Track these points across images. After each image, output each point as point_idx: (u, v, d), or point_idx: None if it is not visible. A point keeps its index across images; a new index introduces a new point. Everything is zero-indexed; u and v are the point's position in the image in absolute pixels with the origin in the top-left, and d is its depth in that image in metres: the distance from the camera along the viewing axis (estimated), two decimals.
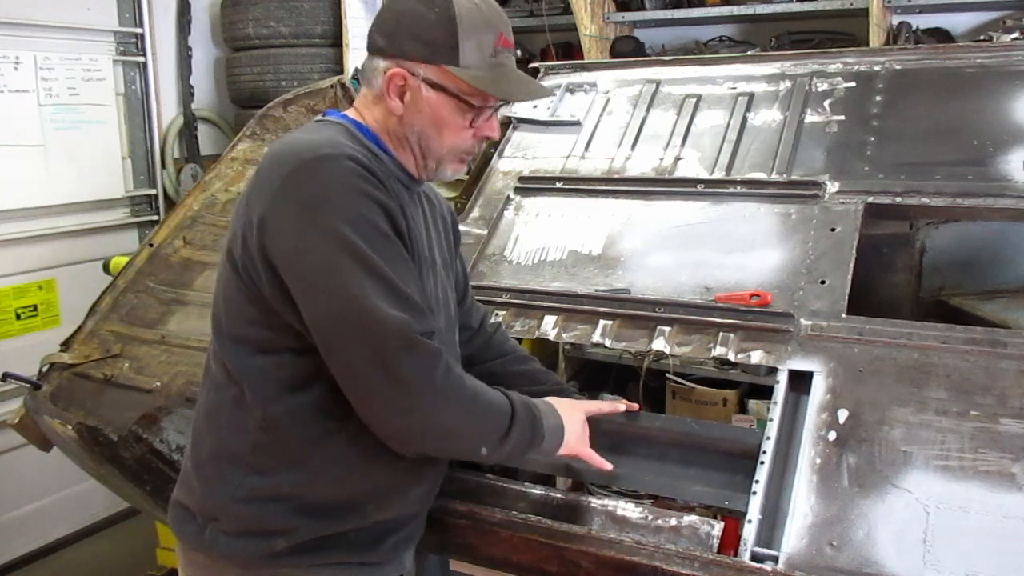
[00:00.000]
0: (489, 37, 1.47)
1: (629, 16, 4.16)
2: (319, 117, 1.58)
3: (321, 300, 1.35)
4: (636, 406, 1.81)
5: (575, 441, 1.62)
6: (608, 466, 1.66)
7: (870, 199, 1.99)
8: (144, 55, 4.14)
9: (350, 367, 1.36)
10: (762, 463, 1.59)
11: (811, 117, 2.25)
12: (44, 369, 2.41)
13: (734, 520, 1.59)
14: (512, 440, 1.47)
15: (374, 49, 1.52)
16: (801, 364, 1.72)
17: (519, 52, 3.98)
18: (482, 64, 1.47)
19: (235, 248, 1.44)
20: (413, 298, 1.39)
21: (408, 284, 1.39)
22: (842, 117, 2.21)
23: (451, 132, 1.51)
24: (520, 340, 1.96)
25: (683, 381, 2.65)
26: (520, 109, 2.56)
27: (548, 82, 2.74)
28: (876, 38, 3.44)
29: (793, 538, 1.48)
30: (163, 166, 4.30)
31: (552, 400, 1.63)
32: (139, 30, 4.11)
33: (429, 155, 1.53)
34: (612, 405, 1.76)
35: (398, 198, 1.45)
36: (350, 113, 1.56)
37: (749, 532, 1.51)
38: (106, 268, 2.92)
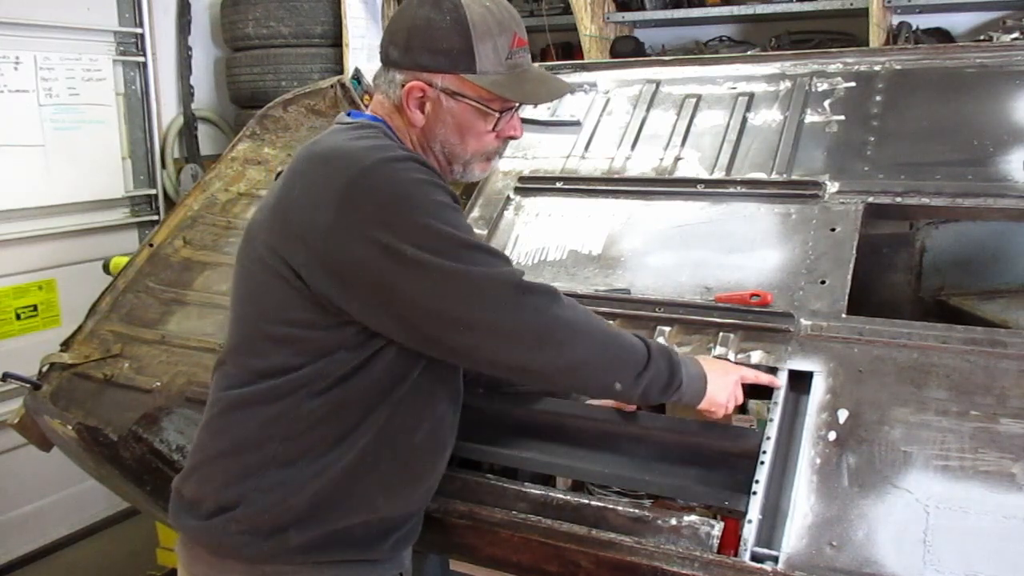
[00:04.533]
0: (503, 39, 1.47)
1: (629, 16, 4.16)
2: (345, 118, 1.57)
3: (436, 288, 1.37)
4: (634, 406, 1.81)
5: (717, 395, 1.61)
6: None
7: (870, 199, 1.99)
8: (144, 55, 4.14)
9: (485, 330, 1.39)
10: (762, 463, 1.59)
11: (811, 117, 2.25)
12: (44, 369, 2.41)
13: (734, 520, 1.59)
14: (647, 377, 1.49)
15: (388, 61, 1.52)
16: (801, 364, 1.72)
17: None
18: (499, 68, 1.47)
19: (290, 255, 1.42)
20: (505, 255, 1.46)
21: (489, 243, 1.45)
22: (842, 117, 2.21)
23: (474, 138, 1.52)
24: None
25: None
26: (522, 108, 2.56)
27: None
28: (876, 38, 3.44)
29: (793, 538, 1.48)
30: (163, 166, 4.30)
31: (702, 357, 1.66)
32: (139, 30, 4.11)
33: (454, 161, 1.55)
34: (770, 378, 1.70)
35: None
36: (375, 115, 1.56)
37: (749, 532, 1.51)
38: (106, 268, 2.92)
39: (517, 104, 1.53)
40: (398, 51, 1.49)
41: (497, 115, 1.50)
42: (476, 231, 2.28)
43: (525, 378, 1.51)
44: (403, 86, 1.48)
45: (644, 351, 1.51)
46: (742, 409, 2.61)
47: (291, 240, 1.43)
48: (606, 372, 1.48)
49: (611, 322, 1.54)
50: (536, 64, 1.62)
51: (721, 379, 1.63)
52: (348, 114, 1.59)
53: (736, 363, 1.72)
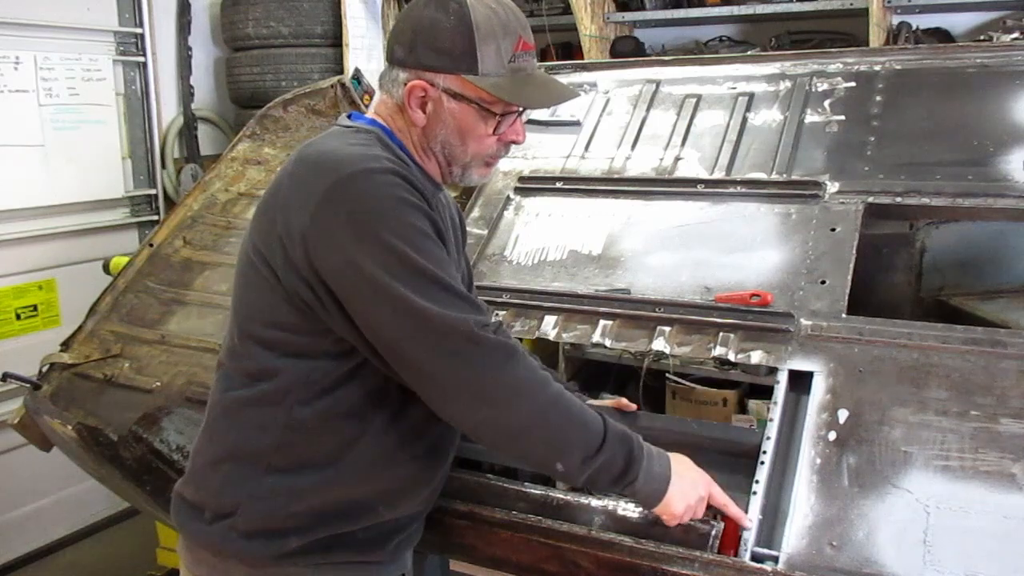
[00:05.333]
0: (507, 42, 1.46)
1: (629, 16, 4.17)
2: (345, 120, 1.57)
3: (384, 312, 1.35)
4: (634, 406, 1.81)
5: (674, 505, 1.47)
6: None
7: (870, 199, 1.99)
8: (144, 55, 4.14)
9: (422, 371, 1.37)
10: (762, 463, 1.59)
11: (811, 117, 2.25)
12: (44, 369, 2.41)
13: (734, 520, 1.59)
14: (595, 465, 1.40)
15: (393, 60, 1.51)
16: (801, 364, 1.72)
17: None
18: (502, 71, 1.46)
19: (272, 256, 1.43)
20: (471, 298, 1.41)
21: (460, 285, 1.41)
22: (842, 117, 2.21)
23: (475, 140, 1.51)
24: (520, 340, 1.96)
25: (683, 381, 2.65)
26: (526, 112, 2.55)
27: None
28: (876, 38, 3.45)
29: (793, 538, 1.48)
30: (163, 166, 4.30)
31: (677, 456, 1.52)
32: (139, 30, 4.11)
33: (454, 163, 1.54)
34: (737, 512, 1.52)
35: (433, 206, 1.46)
36: (376, 118, 1.55)
37: (749, 532, 1.51)
38: (106, 268, 2.92)
39: (520, 108, 1.52)
40: (402, 50, 1.49)
41: (498, 118, 1.49)
42: (476, 231, 2.29)
43: (461, 430, 1.43)
44: (405, 85, 1.48)
45: (599, 435, 1.40)
46: (742, 409, 2.62)
47: (273, 240, 1.42)
48: (548, 448, 1.40)
49: (576, 396, 1.45)
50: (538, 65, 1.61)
51: (685, 490, 1.48)
52: (349, 116, 1.59)
53: (712, 478, 1.55)
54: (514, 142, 1.57)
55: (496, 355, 1.37)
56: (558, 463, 1.41)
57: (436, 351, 1.35)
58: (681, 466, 1.51)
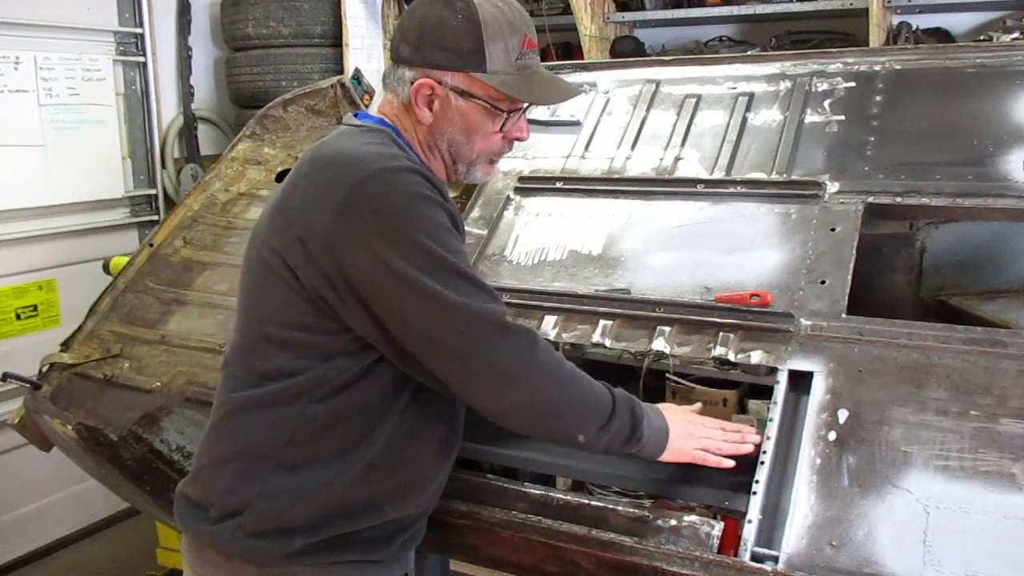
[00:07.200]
0: (514, 40, 1.48)
1: (629, 16, 4.17)
2: (353, 120, 1.57)
3: (416, 308, 1.37)
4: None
5: (680, 446, 1.57)
6: (727, 463, 1.59)
7: (870, 199, 1.99)
8: (144, 55, 4.14)
9: (456, 361, 1.40)
10: (762, 463, 1.59)
11: (811, 117, 2.24)
12: (44, 369, 2.41)
13: (734, 520, 1.59)
14: (611, 431, 1.48)
15: (399, 58, 1.52)
16: (801, 364, 1.72)
17: None
18: (509, 68, 1.48)
19: (289, 257, 1.43)
20: (492, 289, 1.45)
21: (481, 277, 1.44)
22: (842, 117, 2.21)
23: (481, 138, 1.52)
24: None
25: (683, 381, 2.65)
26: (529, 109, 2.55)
27: None
28: (876, 38, 3.45)
29: (793, 538, 1.48)
30: (163, 166, 4.30)
31: (663, 405, 1.64)
32: (139, 30, 4.11)
33: (460, 160, 1.55)
34: (717, 459, 1.60)
35: (447, 200, 1.48)
36: (383, 118, 1.55)
37: (749, 532, 1.51)
38: (106, 268, 2.92)
39: (525, 105, 1.53)
40: (409, 48, 1.49)
41: (505, 115, 1.51)
42: (476, 231, 2.29)
43: (490, 415, 1.47)
44: (412, 83, 1.49)
45: (610, 403, 1.49)
46: (742, 409, 2.62)
47: (290, 241, 1.43)
48: (571, 422, 1.48)
49: (582, 371, 1.51)
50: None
51: (685, 431, 1.59)
52: (355, 115, 1.59)
53: (703, 422, 1.65)
54: (518, 139, 1.58)
55: (523, 341, 1.42)
56: (580, 435, 1.48)
57: (471, 341, 1.39)
58: (671, 412, 1.62)
